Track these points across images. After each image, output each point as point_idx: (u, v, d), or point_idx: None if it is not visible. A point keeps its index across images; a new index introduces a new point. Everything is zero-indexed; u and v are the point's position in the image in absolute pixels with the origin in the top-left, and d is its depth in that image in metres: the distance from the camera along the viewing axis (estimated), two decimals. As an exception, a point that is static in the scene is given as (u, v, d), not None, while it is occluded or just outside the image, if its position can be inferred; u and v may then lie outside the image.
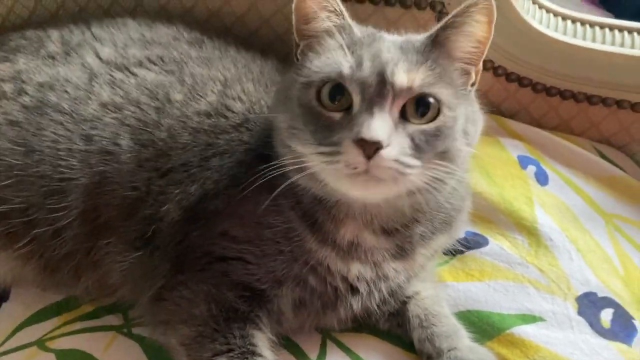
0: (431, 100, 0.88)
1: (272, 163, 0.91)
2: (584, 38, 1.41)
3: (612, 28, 1.41)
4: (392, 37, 0.97)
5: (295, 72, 0.95)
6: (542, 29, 1.39)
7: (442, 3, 1.38)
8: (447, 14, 1.36)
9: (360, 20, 1.38)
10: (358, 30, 0.95)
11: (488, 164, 1.34)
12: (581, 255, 1.19)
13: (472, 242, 1.21)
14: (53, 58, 1.16)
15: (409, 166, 0.85)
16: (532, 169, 1.35)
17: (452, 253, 1.19)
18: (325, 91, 0.90)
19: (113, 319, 1.13)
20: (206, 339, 0.97)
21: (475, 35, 0.94)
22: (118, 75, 1.13)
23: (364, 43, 0.92)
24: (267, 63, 1.23)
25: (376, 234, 0.99)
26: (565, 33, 1.41)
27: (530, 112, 1.50)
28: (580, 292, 1.14)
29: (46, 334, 1.09)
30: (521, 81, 1.46)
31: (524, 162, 1.36)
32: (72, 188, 1.05)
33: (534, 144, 1.41)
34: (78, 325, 1.11)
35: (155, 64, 1.16)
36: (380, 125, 0.83)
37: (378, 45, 0.92)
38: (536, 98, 1.48)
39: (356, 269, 1.01)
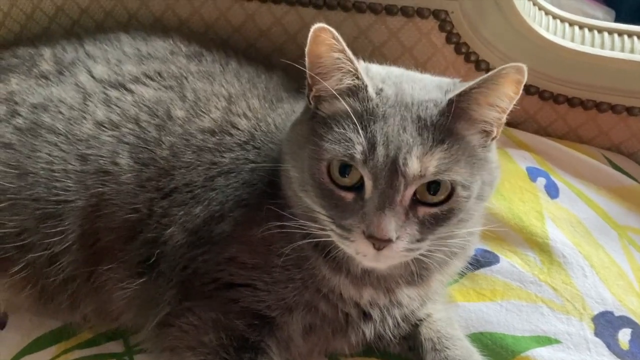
0: (444, 182, 0.85)
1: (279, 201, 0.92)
2: (592, 44, 1.37)
3: (620, 34, 1.38)
4: (410, 96, 0.88)
5: (309, 128, 0.91)
6: (548, 36, 1.36)
7: (445, 11, 1.34)
8: (450, 22, 1.35)
9: (361, 30, 1.39)
10: (373, 89, 0.88)
11: (496, 177, 1.30)
12: (595, 271, 1.16)
13: (483, 260, 1.18)
14: (46, 78, 1.14)
15: (417, 249, 0.86)
16: (541, 181, 1.31)
17: (462, 272, 1.15)
18: (335, 167, 0.87)
19: (114, 346, 1.10)
20: None
21: (502, 104, 0.87)
22: (113, 93, 1.11)
23: (379, 115, 0.86)
24: (272, 77, 1.20)
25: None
26: (572, 40, 1.37)
27: (538, 120, 1.47)
28: (596, 312, 1.11)
29: (45, 364, 1.06)
30: (528, 89, 1.43)
31: (533, 174, 1.33)
32: (68, 211, 1.02)
33: (543, 154, 1.38)
34: (77, 354, 1.09)
35: (152, 79, 1.14)
36: (390, 223, 0.82)
37: (393, 120, 0.85)
38: (543, 106, 1.45)
39: (369, 295, 0.99)
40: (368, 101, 0.87)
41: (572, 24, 1.40)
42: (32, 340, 1.10)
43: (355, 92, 0.88)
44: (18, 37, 1.37)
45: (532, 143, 1.41)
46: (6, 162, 1.04)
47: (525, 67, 0.84)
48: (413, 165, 0.82)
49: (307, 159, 0.89)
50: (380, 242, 0.82)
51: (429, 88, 0.90)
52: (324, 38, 0.85)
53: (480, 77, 0.84)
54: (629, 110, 1.42)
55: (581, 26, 1.40)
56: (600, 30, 1.39)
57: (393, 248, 0.83)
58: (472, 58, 1.39)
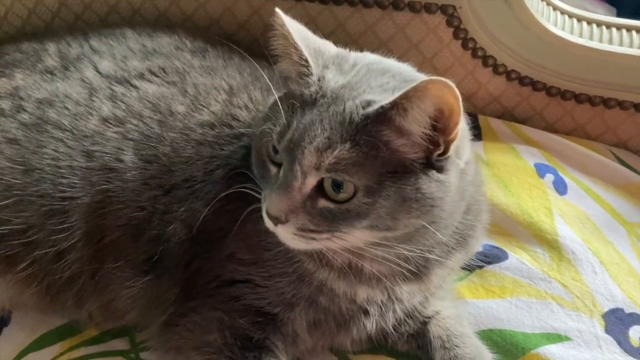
0: (346, 182, 0.82)
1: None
2: (600, 40, 1.36)
3: (629, 29, 1.37)
4: (352, 90, 0.85)
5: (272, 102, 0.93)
6: (557, 31, 1.35)
7: (453, 7, 1.33)
8: (458, 18, 1.34)
9: (368, 25, 1.38)
10: (317, 77, 0.86)
11: (504, 173, 1.30)
12: (605, 268, 1.15)
13: (491, 256, 1.17)
14: (51, 73, 1.12)
15: (312, 238, 0.85)
16: (550, 177, 1.30)
17: (470, 268, 1.15)
18: (269, 144, 0.88)
19: (119, 344, 1.10)
20: None
21: (424, 121, 0.81)
22: (119, 89, 1.10)
23: (309, 102, 0.85)
24: (276, 71, 1.18)
25: (376, 261, 0.93)
26: (581, 35, 1.36)
27: (545, 116, 1.46)
28: (606, 309, 1.10)
29: (50, 361, 1.05)
30: (535, 85, 1.42)
31: (541, 170, 1.32)
32: (74, 208, 1.01)
33: (551, 150, 1.37)
34: (82, 351, 1.08)
35: (156, 75, 1.13)
36: (280, 203, 0.83)
37: (317, 110, 0.84)
38: (550, 102, 1.44)
39: (364, 293, 0.97)
40: (306, 87, 0.87)
41: (580, 19, 1.39)
42: (37, 337, 1.09)
43: (302, 76, 0.88)
44: (20, 32, 1.36)
45: (540, 139, 1.40)
46: (12, 158, 1.03)
47: (451, 84, 0.77)
48: (307, 157, 0.82)
49: (258, 132, 0.92)
50: (273, 218, 0.84)
51: (386, 87, 0.87)
52: (275, 23, 0.88)
53: (407, 87, 0.79)
54: (637, 107, 1.41)
55: (589, 22, 1.39)
56: (609, 26, 1.38)
57: (283, 228, 0.85)
58: (479, 54, 1.38)
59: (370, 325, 1.00)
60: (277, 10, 0.87)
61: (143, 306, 1.03)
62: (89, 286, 1.04)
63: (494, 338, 1.06)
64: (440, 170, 0.84)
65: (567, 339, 1.06)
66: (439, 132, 0.82)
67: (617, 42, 1.36)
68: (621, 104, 1.41)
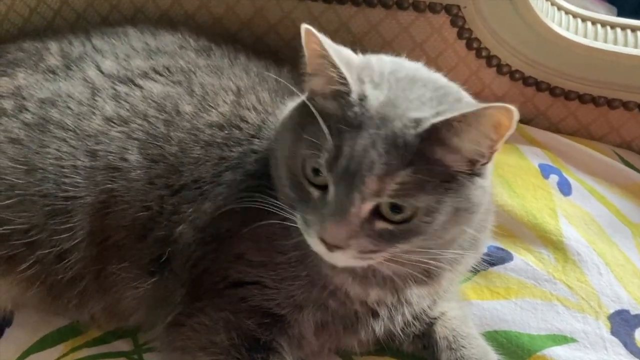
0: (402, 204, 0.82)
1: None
2: (605, 40, 1.36)
3: (634, 30, 1.36)
4: (395, 107, 0.83)
5: (300, 116, 0.89)
6: (561, 31, 1.34)
7: (457, 6, 1.33)
8: (462, 17, 1.33)
9: (372, 25, 1.37)
10: (357, 95, 0.83)
11: (508, 173, 1.29)
12: (610, 269, 1.15)
13: (496, 258, 1.16)
14: (54, 72, 1.11)
15: (371, 258, 0.85)
16: (554, 178, 1.30)
17: (475, 270, 1.14)
18: (308, 167, 0.86)
19: (122, 345, 1.09)
20: None
21: (484, 142, 0.82)
22: (122, 88, 1.09)
23: (355, 123, 0.82)
24: (283, 71, 1.18)
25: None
26: (585, 35, 1.36)
27: (548, 116, 1.45)
28: (612, 310, 1.09)
29: (52, 362, 1.04)
30: (539, 85, 1.42)
31: (545, 171, 1.31)
32: (77, 207, 1.00)
33: (555, 151, 1.37)
34: (85, 352, 1.07)
35: (161, 74, 1.12)
36: (340, 232, 0.81)
37: (367, 132, 0.81)
38: (554, 102, 1.43)
39: (375, 294, 0.97)
40: (349, 107, 0.83)
41: (584, 19, 1.39)
42: (39, 338, 1.08)
43: (340, 95, 0.85)
44: (22, 31, 1.35)
45: (544, 140, 1.39)
46: (14, 158, 1.02)
47: (514, 111, 0.77)
48: (370, 185, 0.80)
49: (287, 148, 0.88)
50: (329, 246, 0.83)
51: (424, 101, 0.85)
52: (309, 42, 0.84)
53: (465, 109, 0.79)
54: (641, 107, 1.41)
55: (594, 22, 1.38)
56: (613, 26, 1.38)
57: (342, 253, 0.83)
58: (484, 54, 1.38)
59: (379, 328, 0.99)
60: (308, 27, 0.83)
61: (148, 307, 1.02)
62: (92, 287, 1.03)
63: (499, 339, 1.06)
64: (480, 176, 0.85)
65: (573, 340, 1.05)
66: (490, 147, 0.83)
67: (622, 42, 1.35)
68: (625, 105, 1.41)
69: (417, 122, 0.81)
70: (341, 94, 0.84)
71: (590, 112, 1.43)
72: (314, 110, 0.83)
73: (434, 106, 0.84)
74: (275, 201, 0.90)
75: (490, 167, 0.88)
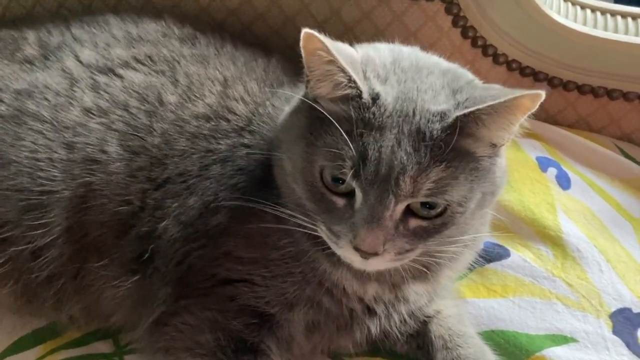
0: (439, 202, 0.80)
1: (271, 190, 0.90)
2: (605, 28, 1.32)
3: (634, 17, 1.33)
4: (413, 102, 0.81)
5: (306, 121, 0.85)
6: (559, 19, 1.30)
7: (452, -7, 1.28)
8: (457, 5, 1.29)
9: (364, 12, 1.33)
10: (369, 94, 0.81)
11: (504, 167, 1.25)
12: (611, 266, 1.11)
13: (492, 254, 1.13)
14: (31, 63, 1.08)
15: (406, 257, 0.84)
16: (552, 171, 1.26)
17: (470, 267, 1.09)
18: (327, 175, 0.82)
19: (102, 346, 1.05)
20: None
21: (511, 128, 0.82)
22: (101, 78, 1.06)
23: (375, 125, 0.79)
24: (271, 61, 1.14)
25: None
26: (585, 23, 1.32)
27: (546, 108, 1.41)
28: (613, 309, 1.06)
29: (29, 366, 1.00)
30: (536, 76, 1.38)
31: (543, 164, 1.28)
32: (53, 202, 0.97)
33: (553, 143, 1.33)
34: (64, 354, 1.04)
35: (143, 63, 1.08)
36: (377, 238, 0.79)
37: (389, 132, 0.79)
38: (552, 93, 1.39)
39: (373, 290, 0.94)
40: (363, 110, 0.80)
41: (583, 7, 1.35)
42: (14, 340, 1.04)
43: (351, 99, 0.81)
44: (0, 21, 1.30)
45: (542, 131, 1.36)
46: None
47: (543, 94, 0.78)
48: (405, 187, 0.77)
49: (300, 158, 0.84)
50: (366, 254, 0.80)
51: (437, 89, 0.83)
52: (312, 49, 0.80)
53: (493, 100, 0.77)
54: (642, 98, 1.37)
55: (593, 9, 1.35)
56: (613, 13, 1.35)
57: (379, 258, 0.81)
58: (480, 43, 1.34)
59: (375, 327, 0.97)
60: (310, 32, 0.79)
61: (130, 307, 0.99)
62: (70, 286, 1.00)
63: (496, 339, 1.03)
64: (500, 156, 0.86)
65: (573, 340, 1.02)
66: (513, 131, 0.83)
67: (622, 30, 1.32)
68: (625, 96, 1.38)
69: (441, 115, 0.79)
70: (351, 97, 0.81)
71: (590, 103, 1.40)
72: (330, 118, 0.80)
73: (449, 95, 0.83)
74: (276, 206, 0.87)
75: (504, 151, 0.89)
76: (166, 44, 1.12)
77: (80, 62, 1.08)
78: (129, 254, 0.97)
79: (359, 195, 0.79)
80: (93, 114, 1.01)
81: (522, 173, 1.25)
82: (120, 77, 1.06)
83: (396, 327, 0.98)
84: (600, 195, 1.26)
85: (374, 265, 0.84)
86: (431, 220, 0.81)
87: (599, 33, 1.31)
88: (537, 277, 1.10)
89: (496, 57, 1.36)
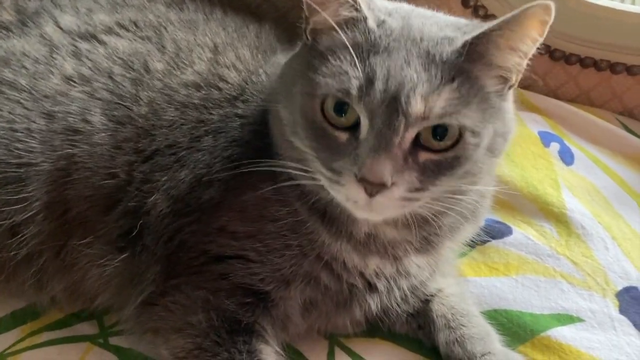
0: (451, 126, 0.76)
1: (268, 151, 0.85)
2: (610, -2, 1.29)
3: (640, -13, 1.29)
4: (419, 31, 0.79)
5: (304, 62, 0.81)
6: (563, -12, 1.26)
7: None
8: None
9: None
10: (374, 20, 0.79)
11: (506, 141, 1.22)
12: (617, 243, 1.09)
13: (494, 231, 1.10)
14: (7, 29, 1.05)
15: (416, 199, 0.79)
16: (555, 146, 1.24)
17: (471, 244, 1.07)
18: (330, 104, 0.77)
19: (86, 328, 1.01)
20: (206, 353, 0.87)
21: (525, 48, 0.79)
22: (83, 45, 1.01)
23: (381, 47, 0.77)
24: (264, 27, 1.10)
25: (397, 226, 0.88)
26: (589, -8, 1.28)
27: (547, 82, 1.39)
28: (620, 287, 1.04)
29: (7, 349, 0.97)
30: (538, 48, 1.33)
31: (546, 138, 1.25)
32: (32, 175, 0.93)
33: (556, 118, 1.30)
34: (45, 337, 1.00)
35: (127, 29, 1.04)
36: (385, 166, 0.74)
37: (397, 53, 0.76)
38: (554, 67, 1.37)
39: (374, 264, 0.91)
40: (369, 33, 0.78)
41: (587, -25, 1.31)
42: (-7, 321, 1.00)
43: (355, 23, 0.78)
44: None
45: (544, 106, 1.33)
46: None
47: (552, 5, 0.75)
48: (416, 105, 0.73)
49: (299, 96, 0.80)
50: (372, 187, 0.74)
51: (442, 25, 0.81)
52: None
53: (502, 18, 0.75)
54: (646, 72, 1.34)
55: (597, -22, 1.31)
56: (618, -18, 1.31)
57: (387, 195, 0.75)
58: (480, 13, 1.30)
59: (375, 303, 0.94)
60: None
61: (118, 287, 0.95)
62: (51, 265, 0.95)
63: (499, 319, 1.00)
64: (507, 101, 0.83)
65: (579, 320, 1.00)
66: (527, 54, 0.80)
67: (628, 0, 1.28)
68: (629, 69, 1.35)
69: (450, 40, 0.78)
70: (355, 22, 0.79)
71: (592, 77, 1.37)
72: (342, 36, 0.77)
73: (455, 30, 0.81)
74: (275, 166, 0.83)
75: (511, 97, 0.86)
76: (152, 9, 1.08)
77: (61, 28, 1.04)
78: (116, 231, 0.93)
79: (364, 123, 0.75)
80: (74, 82, 0.97)
81: (524, 148, 1.22)
82: (103, 43, 1.01)
83: (397, 304, 0.95)
84: (604, 171, 1.23)
85: (380, 205, 0.76)
86: (443, 153, 0.77)
87: (602, 2, 1.28)
88: (540, 254, 1.07)
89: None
